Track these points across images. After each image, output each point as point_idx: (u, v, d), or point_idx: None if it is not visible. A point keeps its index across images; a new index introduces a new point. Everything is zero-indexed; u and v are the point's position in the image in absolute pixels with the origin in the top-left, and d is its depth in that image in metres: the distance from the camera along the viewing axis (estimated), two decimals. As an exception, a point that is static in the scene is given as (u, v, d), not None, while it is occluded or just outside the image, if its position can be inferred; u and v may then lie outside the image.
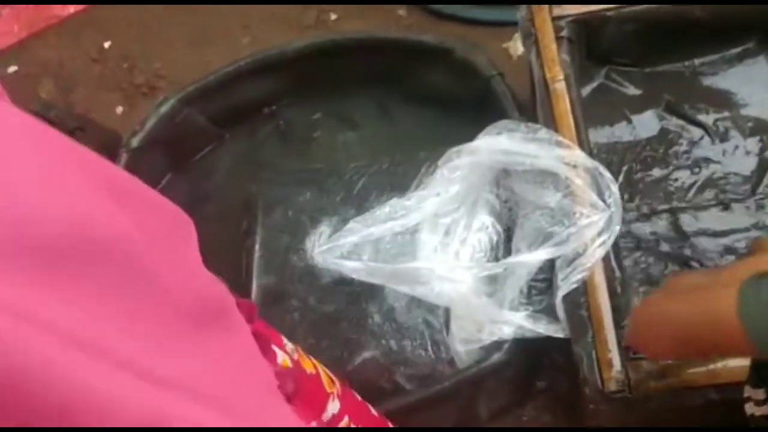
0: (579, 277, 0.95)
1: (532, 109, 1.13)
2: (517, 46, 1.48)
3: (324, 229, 1.21)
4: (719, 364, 0.85)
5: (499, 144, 1.05)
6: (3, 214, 0.33)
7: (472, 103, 1.27)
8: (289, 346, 0.69)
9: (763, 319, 0.62)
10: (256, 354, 0.55)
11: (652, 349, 0.80)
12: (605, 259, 0.96)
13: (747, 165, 1.16)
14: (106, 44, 1.70)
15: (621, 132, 1.23)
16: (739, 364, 0.81)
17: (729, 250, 1.11)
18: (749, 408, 0.80)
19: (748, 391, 0.80)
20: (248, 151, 1.40)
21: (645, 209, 1.16)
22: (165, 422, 0.36)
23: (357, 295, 1.17)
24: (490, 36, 1.48)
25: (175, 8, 1.69)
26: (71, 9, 1.74)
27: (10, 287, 0.32)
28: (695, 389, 0.85)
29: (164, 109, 1.28)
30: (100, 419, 0.33)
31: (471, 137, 1.09)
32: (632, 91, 1.26)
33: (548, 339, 1.00)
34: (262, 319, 0.65)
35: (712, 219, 1.12)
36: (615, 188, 0.98)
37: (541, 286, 1.06)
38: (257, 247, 1.25)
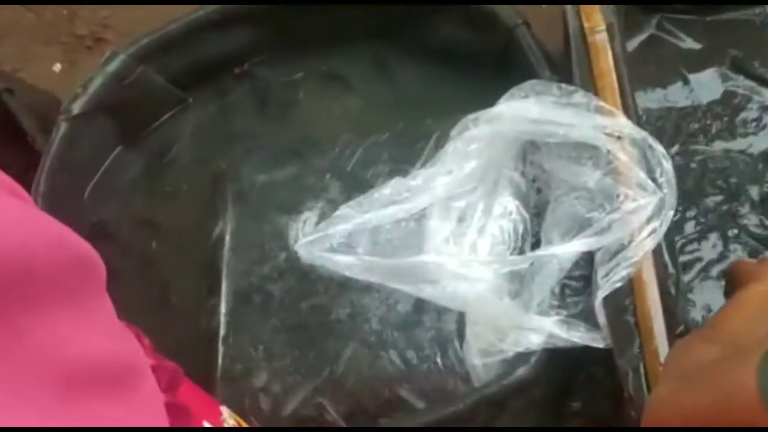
0: (624, 273, 0.95)
1: (567, 67, 1.13)
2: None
3: (309, 215, 1.21)
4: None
5: (525, 110, 1.05)
6: None
7: (491, 59, 1.27)
8: (230, 422, 0.71)
9: None
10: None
11: None
12: (656, 251, 0.96)
13: (830, 135, 1.16)
14: (42, -13, 1.70)
15: (676, 95, 1.23)
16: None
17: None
18: None
19: None
20: (217, 119, 1.40)
21: (705, 189, 1.15)
22: None
23: (350, 296, 1.17)
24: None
25: (126, -59, 1.69)
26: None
27: None
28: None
29: (113, 67, 1.27)
30: None
31: (491, 102, 1.08)
32: (690, 44, 1.26)
33: (585, 350, 1.00)
34: (202, 391, 0.69)
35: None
36: (668, 164, 0.98)
37: (576, 285, 1.05)
38: (228, 237, 1.24)
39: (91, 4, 1.66)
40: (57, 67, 1.62)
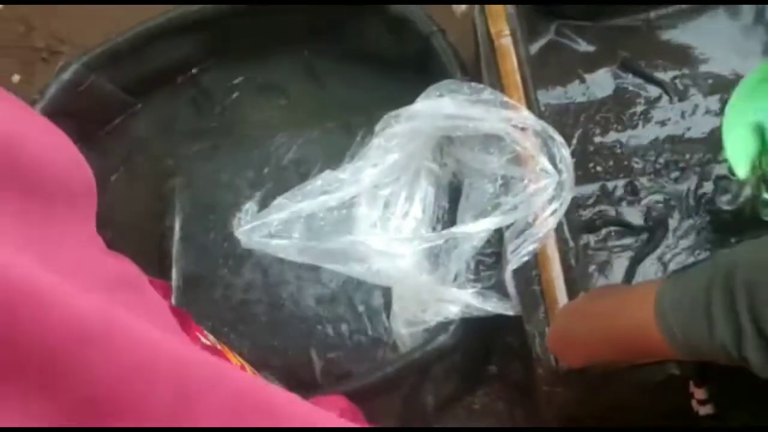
0: (530, 248, 0.96)
1: (477, 69, 1.14)
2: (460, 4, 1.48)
3: (250, 206, 1.20)
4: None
5: (440, 107, 1.06)
6: None
7: (410, 63, 1.28)
8: (211, 337, 0.71)
9: (674, 316, 0.64)
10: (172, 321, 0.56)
11: (574, 352, 0.83)
12: (558, 229, 0.98)
13: (707, 125, 1.17)
14: (-1, 5, 1.67)
15: (573, 92, 1.25)
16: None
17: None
18: (694, 405, 0.82)
19: (692, 387, 0.83)
20: (164, 122, 1.39)
21: (600, 174, 1.17)
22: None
23: (288, 277, 1.18)
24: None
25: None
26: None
27: None
28: (655, 363, 0.85)
29: (67, 75, 1.26)
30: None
31: (411, 101, 1.09)
32: (585, 47, 1.27)
33: (499, 319, 1.01)
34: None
35: (671, 184, 1.14)
36: (566, 152, 1.00)
37: (489, 260, 1.07)
38: (177, 227, 1.25)
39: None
40: (15, 78, 1.58)
